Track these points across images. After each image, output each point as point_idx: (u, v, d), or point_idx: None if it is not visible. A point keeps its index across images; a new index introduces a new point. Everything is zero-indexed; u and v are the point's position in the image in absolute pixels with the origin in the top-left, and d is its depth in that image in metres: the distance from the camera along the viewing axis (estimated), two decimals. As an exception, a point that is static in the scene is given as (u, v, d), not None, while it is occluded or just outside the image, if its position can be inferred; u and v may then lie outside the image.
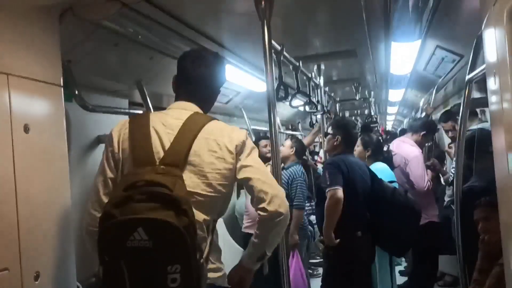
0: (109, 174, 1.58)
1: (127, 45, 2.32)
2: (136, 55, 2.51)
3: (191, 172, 1.56)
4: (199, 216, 1.53)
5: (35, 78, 1.62)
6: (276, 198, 1.59)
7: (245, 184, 1.63)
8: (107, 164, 1.59)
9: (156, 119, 1.62)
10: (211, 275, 1.61)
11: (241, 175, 1.62)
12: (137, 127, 1.60)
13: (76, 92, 2.13)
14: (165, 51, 2.64)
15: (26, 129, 1.55)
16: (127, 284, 1.33)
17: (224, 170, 1.61)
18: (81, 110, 2.21)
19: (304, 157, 5.42)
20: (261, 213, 1.58)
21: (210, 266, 1.62)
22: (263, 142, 4.27)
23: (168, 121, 1.61)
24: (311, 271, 5.16)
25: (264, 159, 4.25)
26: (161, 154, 1.54)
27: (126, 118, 1.75)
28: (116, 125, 1.66)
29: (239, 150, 1.64)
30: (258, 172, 1.62)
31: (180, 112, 1.67)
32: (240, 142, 1.64)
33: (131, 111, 2.63)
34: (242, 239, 3.95)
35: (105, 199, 1.53)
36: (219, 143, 1.61)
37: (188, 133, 1.58)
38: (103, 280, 1.37)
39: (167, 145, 1.55)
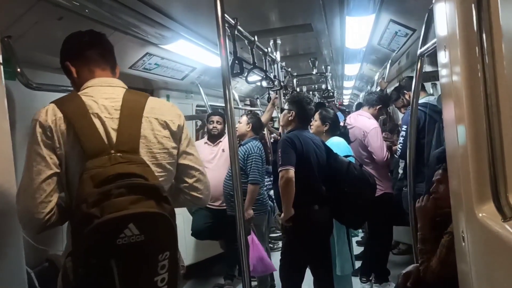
0: (55, 169, 1.42)
1: (73, 19, 2.19)
2: (83, 30, 2.39)
3: (142, 155, 1.50)
4: None
5: (-31, 55, 1.51)
6: (206, 190, 1.71)
7: (183, 168, 1.66)
8: (49, 159, 1.41)
9: (92, 103, 1.48)
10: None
11: (182, 160, 1.65)
12: (76, 114, 1.45)
13: (19, 70, 2.01)
14: (115, 25, 2.53)
15: (-38, 110, 1.45)
16: (116, 281, 1.27)
17: (172, 148, 1.59)
18: (25, 89, 2.09)
19: (264, 132, 5.43)
20: (189, 197, 1.68)
21: None
22: (212, 118, 4.23)
23: (102, 103, 1.49)
24: (271, 245, 5.23)
25: (210, 136, 4.24)
26: (109, 141, 1.44)
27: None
28: (43, 114, 1.44)
29: (181, 131, 1.64)
30: (197, 162, 1.69)
31: (108, 89, 1.56)
32: (182, 122, 1.65)
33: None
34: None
35: (54, 198, 1.42)
36: (161, 122, 1.57)
37: (133, 115, 1.50)
38: (85, 282, 1.29)
39: (111, 131, 1.45)
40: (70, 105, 1.47)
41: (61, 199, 1.47)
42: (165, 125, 1.57)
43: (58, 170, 1.43)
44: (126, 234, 1.25)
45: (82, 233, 1.26)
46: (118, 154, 1.41)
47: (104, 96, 1.51)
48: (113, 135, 1.44)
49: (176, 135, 1.61)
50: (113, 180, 1.32)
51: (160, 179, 1.53)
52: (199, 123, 5.86)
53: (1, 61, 1.68)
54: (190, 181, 1.66)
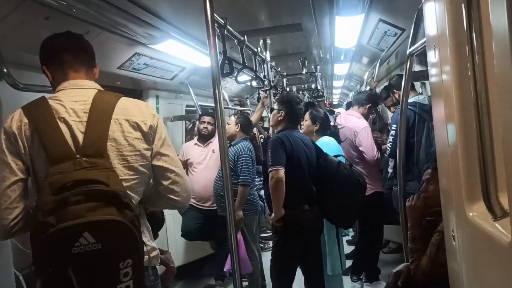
0: (20, 176, 1.42)
1: (60, 19, 2.17)
2: (70, 30, 2.36)
3: (111, 158, 1.47)
4: None
5: (-46, 56, 1.48)
6: (184, 192, 1.64)
7: (158, 170, 1.60)
8: (14, 166, 1.41)
9: (59, 107, 1.46)
10: (148, 256, 1.57)
11: (156, 162, 1.59)
12: (41, 119, 1.43)
13: (5, 70, 1.98)
14: (103, 25, 2.50)
15: None
16: None
17: (144, 150, 1.55)
18: (12, 90, 2.06)
19: (254, 132, 5.42)
20: (166, 199, 1.63)
21: (146, 248, 1.56)
22: (203, 118, 4.21)
23: (70, 107, 1.46)
24: (262, 245, 5.23)
25: (201, 136, 4.22)
26: (76, 145, 1.42)
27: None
28: (9, 120, 1.45)
29: (154, 132, 1.59)
30: (173, 163, 1.62)
31: (79, 91, 1.53)
32: (155, 122, 1.59)
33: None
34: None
35: (21, 204, 1.41)
36: (132, 123, 1.52)
37: (101, 117, 1.47)
38: None
39: (79, 134, 1.43)
40: (35, 111, 1.45)
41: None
42: (136, 127, 1.52)
43: (24, 176, 1.42)
44: (81, 243, 1.24)
45: (38, 242, 1.25)
46: (84, 158, 1.38)
47: (73, 99, 1.49)
48: (81, 138, 1.42)
49: (149, 136, 1.56)
50: (71, 187, 1.31)
51: (132, 182, 1.51)
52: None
53: (-13, 62, 1.65)
54: (165, 183, 1.60)
